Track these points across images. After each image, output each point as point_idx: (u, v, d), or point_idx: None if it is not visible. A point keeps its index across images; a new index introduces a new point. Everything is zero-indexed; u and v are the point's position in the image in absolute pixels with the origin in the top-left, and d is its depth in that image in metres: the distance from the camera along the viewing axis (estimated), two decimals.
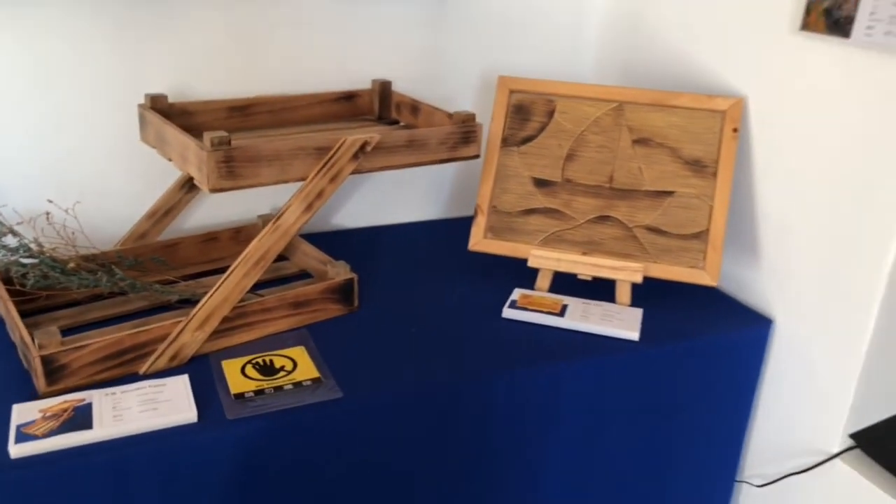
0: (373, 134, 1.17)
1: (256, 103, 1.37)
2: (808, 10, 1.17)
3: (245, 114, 1.35)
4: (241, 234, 1.39)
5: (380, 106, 1.49)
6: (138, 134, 1.29)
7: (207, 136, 1.03)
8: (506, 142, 1.40)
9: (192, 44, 1.35)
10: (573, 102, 1.38)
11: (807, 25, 1.17)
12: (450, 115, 1.32)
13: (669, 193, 1.32)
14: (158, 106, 1.25)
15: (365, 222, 1.62)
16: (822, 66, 1.17)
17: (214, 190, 1.04)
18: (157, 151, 1.20)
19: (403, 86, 1.53)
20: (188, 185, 1.33)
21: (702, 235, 1.29)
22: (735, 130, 1.30)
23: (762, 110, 1.29)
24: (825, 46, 1.16)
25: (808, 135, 1.21)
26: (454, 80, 1.59)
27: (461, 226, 1.55)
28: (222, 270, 1.31)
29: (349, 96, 1.47)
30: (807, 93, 1.21)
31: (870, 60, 1.09)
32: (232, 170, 1.05)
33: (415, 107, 1.43)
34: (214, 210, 1.46)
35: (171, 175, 1.33)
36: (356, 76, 1.50)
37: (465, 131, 1.28)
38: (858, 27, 1.09)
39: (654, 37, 1.51)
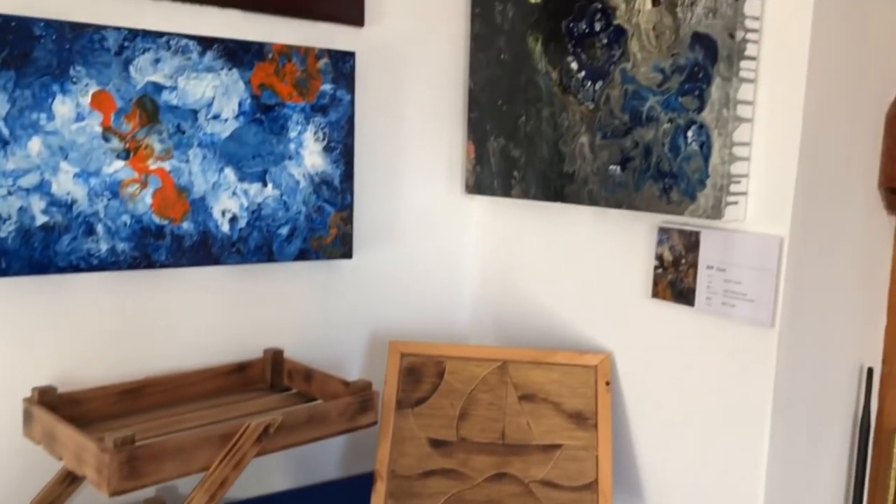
0: (275, 415, 1.20)
1: (148, 384, 1.35)
2: (656, 282, 1.36)
3: (137, 396, 1.34)
4: None
5: (272, 374, 1.51)
6: (20, 428, 1.23)
7: (110, 436, 1.02)
8: (400, 404, 1.45)
9: (80, 328, 1.34)
10: (460, 363, 1.48)
11: (657, 294, 1.36)
12: (346, 384, 1.37)
13: (558, 447, 1.40)
14: (46, 399, 1.21)
15: (258, 490, 1.57)
16: (675, 328, 1.35)
17: (115, 493, 1.01)
18: (44, 448, 1.15)
19: (294, 350, 1.57)
20: (71, 477, 1.26)
21: (592, 486, 1.36)
22: (607, 383, 1.43)
23: (627, 364, 1.44)
24: (675, 312, 1.34)
25: (669, 386, 1.36)
26: (343, 343, 1.66)
27: (358, 486, 1.54)
28: None
29: (241, 367, 1.49)
30: (664, 349, 1.37)
31: (713, 324, 1.28)
32: (135, 469, 1.02)
33: (308, 374, 1.47)
34: (95, 493, 1.37)
35: (51, 467, 1.26)
36: (247, 346, 1.53)
37: (362, 400, 1.33)
38: (699, 297, 1.29)
39: (525, 297, 1.67)
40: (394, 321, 1.72)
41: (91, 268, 1.30)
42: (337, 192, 1.54)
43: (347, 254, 1.57)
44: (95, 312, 1.36)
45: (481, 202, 1.78)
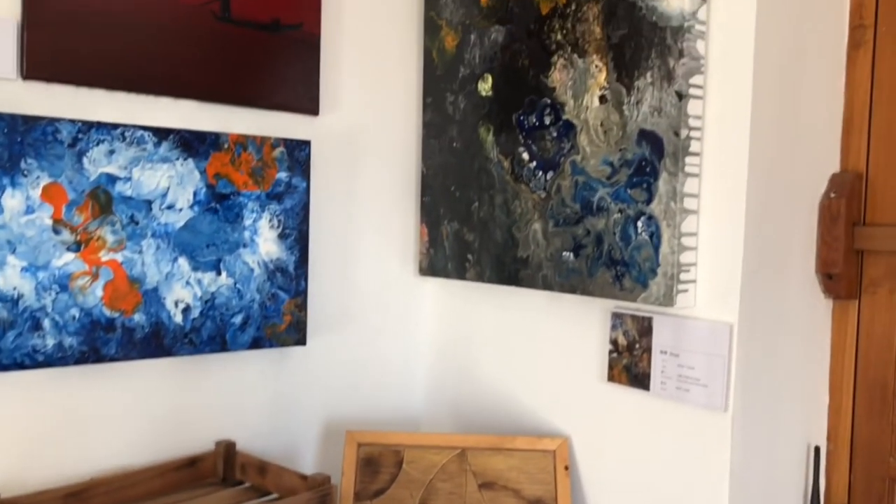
0: None
1: (94, 486, 1.29)
2: (611, 366, 1.39)
3: (82, 499, 1.27)
4: None
5: (224, 468, 1.46)
6: None
7: None
8: (358, 496, 1.42)
9: (22, 428, 1.28)
10: (419, 451, 1.46)
11: (612, 378, 1.39)
12: (303, 478, 1.34)
13: None
14: None
15: None
16: (631, 412, 1.37)
17: None
18: None
19: (247, 441, 1.53)
20: None
21: None
22: (566, 468, 1.44)
23: (585, 448, 1.45)
24: (631, 395, 1.36)
25: (627, 469, 1.38)
26: (297, 432, 1.62)
27: None
28: None
29: (192, 462, 1.44)
30: (621, 433, 1.39)
31: (668, 409, 1.31)
32: None
33: (262, 467, 1.42)
34: None
35: None
36: (198, 438, 1.48)
37: (321, 495, 1.30)
38: (654, 382, 1.32)
39: (480, 381, 1.67)
40: (348, 408, 1.70)
41: (36, 364, 1.25)
42: (291, 278, 1.53)
43: (301, 341, 1.56)
44: (39, 411, 1.30)
45: (434, 284, 1.79)
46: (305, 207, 1.55)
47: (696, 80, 1.23)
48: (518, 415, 1.58)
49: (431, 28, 1.68)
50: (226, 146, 1.44)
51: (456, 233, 1.64)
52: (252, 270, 1.48)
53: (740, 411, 1.23)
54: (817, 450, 1.36)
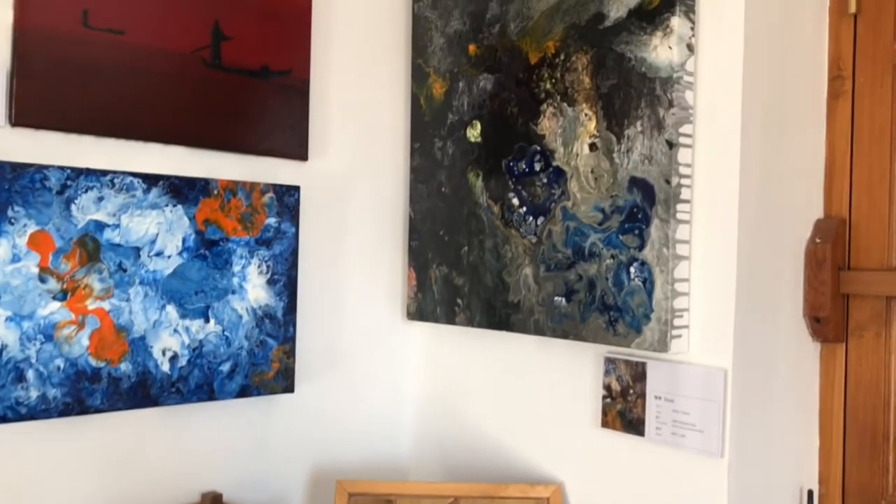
0: None
1: None
2: (605, 412, 1.39)
3: None
4: None
5: None
6: None
7: None
8: None
9: (2, 483, 1.24)
10: (411, 501, 1.44)
11: (606, 424, 1.38)
12: None
13: None
14: None
15: None
16: (626, 458, 1.36)
17: None
18: None
19: (233, 492, 1.49)
20: None
21: None
22: None
23: (579, 495, 1.44)
24: (625, 441, 1.36)
25: None
26: (284, 482, 1.59)
27: None
28: None
29: None
30: (615, 480, 1.38)
31: (664, 455, 1.30)
32: None
33: None
34: None
35: None
36: (183, 490, 1.44)
37: None
38: (649, 428, 1.31)
39: (470, 427, 1.66)
40: (335, 456, 1.67)
41: (19, 417, 1.21)
42: (280, 324, 1.52)
43: (289, 388, 1.53)
44: (21, 464, 1.26)
45: (422, 329, 1.78)
46: (294, 253, 1.54)
47: (685, 129, 1.25)
48: (510, 462, 1.57)
49: (419, 75, 1.70)
50: (215, 192, 1.43)
51: (445, 277, 1.64)
52: (240, 317, 1.46)
53: (736, 456, 1.23)
54: (810, 493, 1.36)
